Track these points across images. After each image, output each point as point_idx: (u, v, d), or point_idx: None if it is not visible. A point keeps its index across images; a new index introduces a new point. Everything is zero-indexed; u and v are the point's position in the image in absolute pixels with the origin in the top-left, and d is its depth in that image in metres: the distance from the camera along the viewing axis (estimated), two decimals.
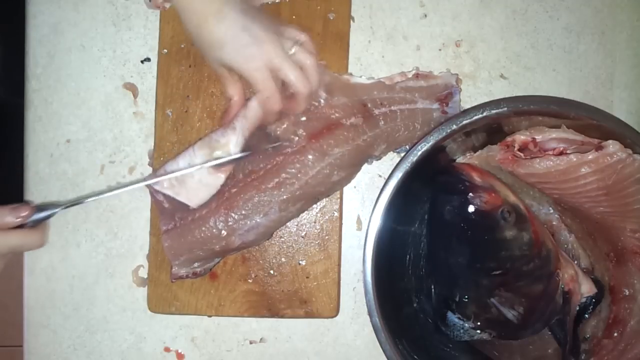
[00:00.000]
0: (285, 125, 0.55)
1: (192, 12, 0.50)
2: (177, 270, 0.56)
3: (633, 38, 0.62)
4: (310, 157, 0.54)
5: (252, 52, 0.50)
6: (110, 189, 0.55)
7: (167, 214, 0.55)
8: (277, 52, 0.51)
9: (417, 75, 0.58)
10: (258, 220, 0.54)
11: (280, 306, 0.59)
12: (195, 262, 0.56)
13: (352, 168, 0.57)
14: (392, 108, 0.56)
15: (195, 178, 0.53)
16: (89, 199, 0.55)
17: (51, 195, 0.61)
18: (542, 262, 0.52)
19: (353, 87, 0.57)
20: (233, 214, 0.53)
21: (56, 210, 0.53)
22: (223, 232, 0.53)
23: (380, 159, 0.59)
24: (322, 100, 0.55)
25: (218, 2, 0.49)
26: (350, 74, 0.58)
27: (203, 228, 0.53)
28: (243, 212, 0.54)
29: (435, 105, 0.57)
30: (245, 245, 0.56)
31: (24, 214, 0.52)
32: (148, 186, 0.55)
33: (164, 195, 0.54)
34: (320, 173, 0.54)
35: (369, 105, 0.56)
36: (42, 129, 0.62)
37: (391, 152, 0.61)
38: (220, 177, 0.54)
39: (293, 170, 0.54)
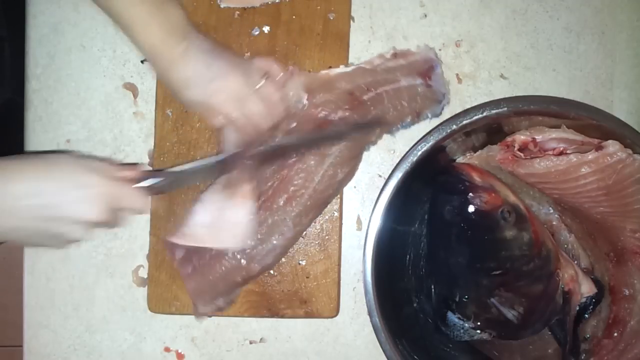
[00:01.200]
0: (279, 138, 0.55)
1: (160, 57, 0.51)
2: (202, 309, 0.56)
3: (633, 38, 0.62)
4: (312, 162, 0.54)
5: (217, 86, 0.51)
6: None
7: (184, 258, 0.55)
8: (241, 85, 0.51)
9: (394, 55, 0.58)
10: (275, 242, 0.54)
11: (280, 306, 0.59)
12: (219, 298, 0.56)
13: (353, 161, 0.57)
14: (378, 91, 0.56)
15: (227, 218, 0.53)
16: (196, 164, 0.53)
17: None
18: (542, 262, 0.52)
19: (334, 80, 0.56)
20: (250, 241, 0.53)
21: (162, 177, 0.51)
22: (243, 261, 0.53)
23: (376, 143, 0.59)
24: (305, 102, 0.55)
25: (183, 44, 0.50)
26: (329, 67, 0.58)
27: (223, 261, 0.54)
28: (259, 236, 0.54)
29: (419, 81, 0.57)
30: (264, 270, 0.56)
31: (137, 174, 0.50)
32: (166, 244, 0.55)
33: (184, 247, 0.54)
34: (325, 176, 0.54)
35: (356, 93, 0.56)
36: (42, 129, 0.62)
37: (388, 152, 0.61)
38: (248, 204, 0.53)
39: (300, 180, 0.54)
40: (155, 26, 0.49)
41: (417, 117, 0.57)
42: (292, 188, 0.54)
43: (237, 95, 0.51)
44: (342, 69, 0.57)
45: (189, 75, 0.50)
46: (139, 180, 0.49)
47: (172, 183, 0.52)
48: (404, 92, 0.56)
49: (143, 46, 0.51)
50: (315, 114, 0.55)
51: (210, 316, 0.58)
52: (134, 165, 0.52)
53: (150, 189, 0.50)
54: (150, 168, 0.61)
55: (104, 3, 0.49)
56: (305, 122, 0.55)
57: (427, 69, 0.57)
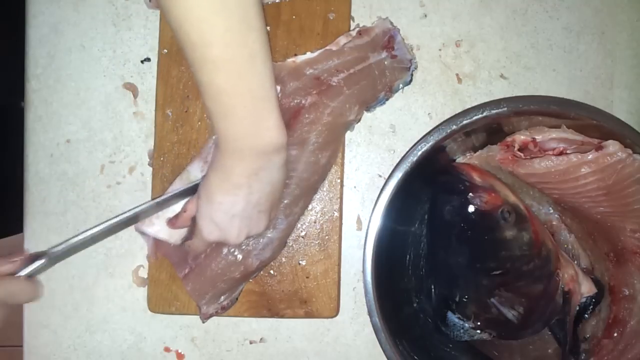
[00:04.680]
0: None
1: (209, 179, 0.47)
2: (206, 309, 0.56)
3: (633, 38, 0.62)
4: (292, 152, 0.54)
5: (212, 230, 0.48)
6: (100, 224, 0.50)
7: (180, 259, 0.55)
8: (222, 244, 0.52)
9: (360, 33, 0.57)
10: (270, 235, 0.54)
11: (280, 306, 0.59)
12: (221, 296, 0.56)
13: (334, 144, 0.57)
14: (351, 71, 0.55)
15: (171, 214, 0.53)
16: (77, 238, 0.49)
17: (51, 195, 0.61)
18: (542, 262, 0.52)
19: (300, 67, 0.56)
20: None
21: (44, 259, 0.48)
22: (239, 256, 0.53)
23: (359, 121, 0.58)
24: (278, 90, 0.54)
25: (233, 187, 0.46)
26: (295, 55, 0.57)
27: (218, 259, 0.53)
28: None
29: (384, 54, 0.56)
30: (264, 264, 0.56)
31: (17, 261, 0.47)
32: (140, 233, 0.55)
33: (154, 239, 0.54)
34: (308, 163, 0.54)
35: (324, 77, 0.55)
36: (42, 129, 0.62)
37: (388, 152, 0.61)
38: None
39: None
40: (240, 126, 0.43)
41: (390, 90, 0.57)
42: None
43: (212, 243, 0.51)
44: (307, 55, 0.56)
45: (219, 199, 0.46)
46: (16, 270, 0.47)
47: (66, 253, 0.49)
48: (373, 68, 0.56)
49: (219, 130, 0.44)
50: (288, 103, 0.54)
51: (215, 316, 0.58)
52: (13, 254, 0.48)
53: (38, 271, 0.47)
54: (150, 168, 0.61)
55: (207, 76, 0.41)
56: (282, 113, 0.55)
57: (387, 39, 0.56)
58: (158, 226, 0.53)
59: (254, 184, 0.46)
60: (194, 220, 0.51)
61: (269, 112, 0.43)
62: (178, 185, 0.54)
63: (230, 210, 0.46)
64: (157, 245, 0.55)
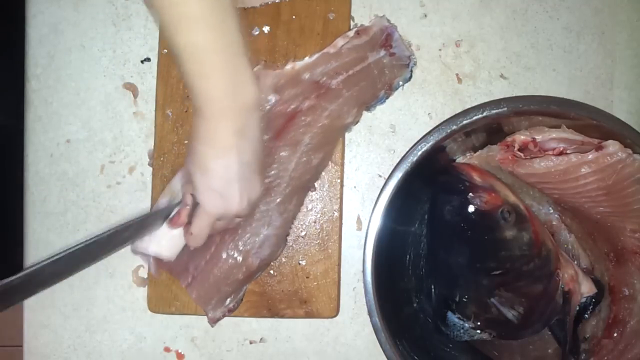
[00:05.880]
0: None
1: (196, 151, 0.46)
2: (213, 314, 0.56)
3: (633, 38, 0.62)
4: (283, 153, 0.54)
5: (214, 200, 0.47)
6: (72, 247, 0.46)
7: (181, 269, 0.55)
8: (226, 223, 0.50)
9: (358, 32, 0.57)
10: (265, 232, 0.54)
11: (280, 306, 0.59)
12: (227, 299, 0.56)
13: (328, 146, 0.57)
14: (350, 73, 0.55)
15: (161, 231, 0.51)
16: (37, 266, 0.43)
17: (51, 195, 0.61)
18: (542, 262, 0.52)
19: (299, 73, 0.55)
20: (240, 238, 0.54)
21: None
22: (239, 258, 0.54)
23: (357, 123, 0.58)
24: (274, 100, 0.54)
25: (223, 149, 0.45)
26: (293, 60, 0.57)
27: (220, 264, 0.54)
28: (248, 231, 0.54)
29: (382, 52, 0.56)
30: (266, 262, 0.56)
31: None
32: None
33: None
34: (299, 164, 0.54)
35: (323, 80, 0.55)
36: (42, 129, 0.62)
37: (388, 152, 0.61)
38: (180, 228, 0.51)
39: (274, 171, 0.54)
40: (221, 87, 0.43)
41: (390, 88, 0.57)
42: (266, 180, 0.54)
43: (216, 219, 0.49)
44: (305, 60, 0.56)
45: (212, 168, 0.45)
46: None
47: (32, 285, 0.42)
48: (372, 67, 0.56)
49: (201, 93, 0.44)
50: (284, 109, 0.55)
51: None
52: None
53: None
54: (150, 168, 0.61)
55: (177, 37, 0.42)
56: (276, 119, 0.55)
57: (385, 37, 0.57)
58: (151, 244, 0.51)
59: (242, 143, 0.46)
60: (192, 209, 0.50)
61: (245, 66, 0.44)
62: (162, 202, 0.53)
63: (226, 174, 0.46)
64: (157, 262, 0.55)
